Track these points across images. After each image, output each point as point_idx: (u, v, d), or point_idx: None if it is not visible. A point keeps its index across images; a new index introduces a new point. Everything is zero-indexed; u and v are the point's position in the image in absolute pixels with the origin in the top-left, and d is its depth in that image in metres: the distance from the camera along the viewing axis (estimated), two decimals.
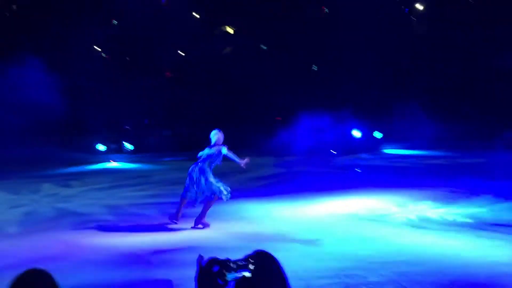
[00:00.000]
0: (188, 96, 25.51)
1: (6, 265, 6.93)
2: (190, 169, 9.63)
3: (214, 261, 2.70)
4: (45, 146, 21.99)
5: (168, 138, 25.21)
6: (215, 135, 9.71)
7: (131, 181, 15.98)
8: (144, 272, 6.94)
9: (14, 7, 25.06)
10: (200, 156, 9.68)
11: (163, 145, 24.62)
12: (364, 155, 20.92)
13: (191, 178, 9.49)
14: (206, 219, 9.51)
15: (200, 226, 9.47)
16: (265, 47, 26.71)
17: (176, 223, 9.63)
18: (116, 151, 23.29)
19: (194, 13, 26.38)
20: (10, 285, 2.52)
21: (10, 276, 2.61)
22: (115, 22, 25.80)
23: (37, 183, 15.31)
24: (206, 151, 9.64)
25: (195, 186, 9.43)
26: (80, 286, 6.26)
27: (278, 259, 2.74)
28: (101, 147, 23.17)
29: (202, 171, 9.43)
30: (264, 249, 2.76)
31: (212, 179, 9.42)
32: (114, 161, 21.58)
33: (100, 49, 26.23)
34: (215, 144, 9.63)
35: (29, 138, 21.67)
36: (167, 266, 7.10)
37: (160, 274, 6.77)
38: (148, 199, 12.60)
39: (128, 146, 23.71)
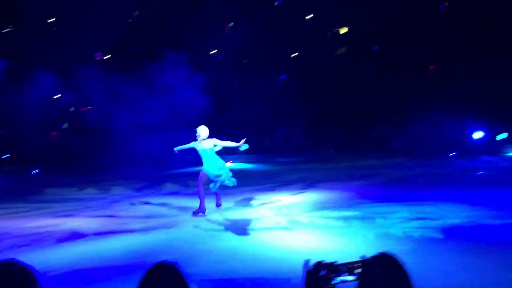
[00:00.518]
0: (301, 97, 25.59)
1: (133, 261, 7.32)
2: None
3: (320, 264, 2.63)
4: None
5: (280, 139, 25.45)
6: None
7: (247, 181, 16.37)
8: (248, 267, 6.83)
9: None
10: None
11: (276, 146, 24.92)
12: (486, 157, 19.70)
13: None
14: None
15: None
16: (376, 47, 26.16)
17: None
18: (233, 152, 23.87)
19: (307, 15, 26.50)
20: (141, 279, 2.67)
21: (139, 269, 2.78)
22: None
23: (161, 182, 16.38)
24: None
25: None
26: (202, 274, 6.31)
27: (404, 263, 2.50)
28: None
29: None
30: (388, 252, 2.58)
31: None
32: (232, 161, 22.27)
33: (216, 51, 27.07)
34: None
35: (161, 137, 22.92)
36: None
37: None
38: (261, 199, 12.76)
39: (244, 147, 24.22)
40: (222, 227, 9.61)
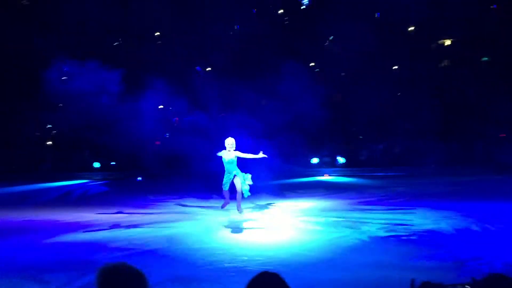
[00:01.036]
0: (403, 110, 24.93)
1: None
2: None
3: (428, 284, 2.63)
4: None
5: (381, 152, 24.90)
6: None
7: (342, 194, 16.41)
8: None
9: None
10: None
11: (376, 159, 24.44)
12: None
13: None
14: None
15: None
16: (486, 58, 24.93)
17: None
18: (328, 165, 23.76)
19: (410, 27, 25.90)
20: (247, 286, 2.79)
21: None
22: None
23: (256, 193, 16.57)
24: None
25: None
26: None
27: None
28: (314, 160, 23.85)
29: None
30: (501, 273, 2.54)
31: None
32: (327, 174, 22.16)
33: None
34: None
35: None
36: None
37: None
38: (356, 214, 12.61)
39: (341, 159, 23.98)
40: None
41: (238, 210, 12.66)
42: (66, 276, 7.59)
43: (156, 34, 27.20)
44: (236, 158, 12.49)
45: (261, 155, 12.60)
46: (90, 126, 24.02)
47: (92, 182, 21.94)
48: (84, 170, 23.92)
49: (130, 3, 24.77)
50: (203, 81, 24.14)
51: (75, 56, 23.93)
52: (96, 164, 24.01)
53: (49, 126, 28.07)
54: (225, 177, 12.63)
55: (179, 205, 14.98)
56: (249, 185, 12.56)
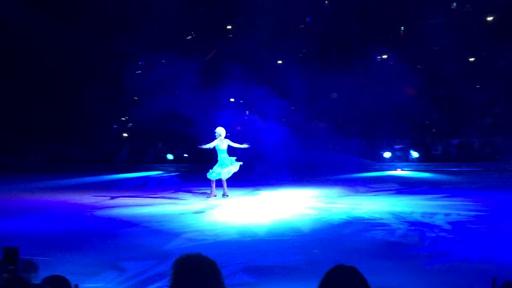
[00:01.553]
0: (478, 103, 23.99)
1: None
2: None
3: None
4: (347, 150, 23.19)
5: (456, 147, 24.00)
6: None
7: (416, 189, 15.97)
8: None
9: None
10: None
11: (451, 154, 23.61)
12: None
13: None
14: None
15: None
16: None
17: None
18: (402, 159, 23.18)
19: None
20: (321, 280, 2.75)
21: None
22: None
23: (330, 187, 16.43)
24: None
25: None
26: None
27: None
28: (386, 154, 23.33)
29: None
30: None
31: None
32: (401, 169, 21.62)
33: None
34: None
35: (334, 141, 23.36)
36: None
37: None
38: (430, 209, 12.21)
39: (414, 154, 23.33)
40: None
41: (224, 195, 13.94)
42: (142, 264, 7.79)
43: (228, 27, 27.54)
44: (227, 146, 13.71)
45: (245, 145, 13.93)
46: (166, 118, 24.72)
47: (165, 173, 22.47)
48: (158, 162, 24.54)
49: None
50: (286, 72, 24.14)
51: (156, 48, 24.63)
52: (170, 156, 24.55)
53: (124, 118, 28.99)
54: (217, 166, 13.66)
55: (248, 195, 15.09)
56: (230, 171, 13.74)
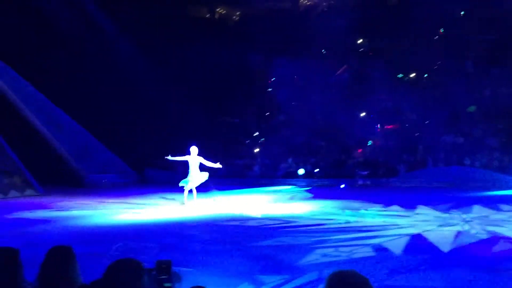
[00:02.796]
0: None
1: None
2: None
3: None
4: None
5: None
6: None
7: None
8: None
9: None
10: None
11: None
12: None
13: None
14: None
15: None
16: None
17: None
18: None
19: None
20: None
21: None
22: None
23: (468, 204, 15.49)
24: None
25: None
26: None
27: None
28: None
29: None
30: None
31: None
32: None
33: None
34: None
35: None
36: None
37: None
38: None
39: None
40: None
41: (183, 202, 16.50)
42: (279, 278, 7.87)
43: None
44: (199, 163, 16.52)
45: (217, 165, 16.90)
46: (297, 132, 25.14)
47: (296, 188, 22.57)
48: (289, 176, 24.71)
49: None
50: None
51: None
52: (301, 171, 24.64)
53: (256, 134, 29.74)
54: (188, 177, 16.44)
55: (379, 214, 14.61)
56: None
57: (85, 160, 24.28)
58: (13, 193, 21.33)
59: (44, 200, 18.65)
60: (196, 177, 16.56)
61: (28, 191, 21.86)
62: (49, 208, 16.38)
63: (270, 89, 29.06)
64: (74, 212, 15.41)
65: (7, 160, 22.01)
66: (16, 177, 21.93)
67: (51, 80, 23.55)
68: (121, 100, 24.73)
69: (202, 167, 16.81)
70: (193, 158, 16.58)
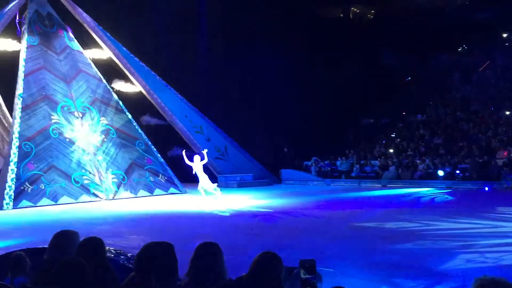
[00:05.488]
0: None
1: None
2: None
3: None
4: None
5: None
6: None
7: None
8: None
9: None
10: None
11: None
12: None
13: None
14: None
15: None
16: None
17: None
18: None
19: None
20: None
21: None
22: None
23: None
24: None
25: None
26: None
27: None
28: None
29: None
30: None
31: None
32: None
33: None
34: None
35: None
36: None
37: None
38: None
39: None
40: None
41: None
42: (414, 282, 7.56)
43: None
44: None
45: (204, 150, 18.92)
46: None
47: (436, 190, 21.65)
48: (427, 178, 23.74)
49: None
50: None
51: None
52: (440, 172, 23.50)
53: (392, 135, 29.10)
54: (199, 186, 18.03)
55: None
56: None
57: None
58: (157, 191, 23.00)
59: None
60: (204, 181, 18.00)
61: (171, 189, 23.57)
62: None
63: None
64: None
65: (155, 161, 23.76)
66: (161, 176, 23.54)
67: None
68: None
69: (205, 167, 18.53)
70: (199, 165, 17.98)
